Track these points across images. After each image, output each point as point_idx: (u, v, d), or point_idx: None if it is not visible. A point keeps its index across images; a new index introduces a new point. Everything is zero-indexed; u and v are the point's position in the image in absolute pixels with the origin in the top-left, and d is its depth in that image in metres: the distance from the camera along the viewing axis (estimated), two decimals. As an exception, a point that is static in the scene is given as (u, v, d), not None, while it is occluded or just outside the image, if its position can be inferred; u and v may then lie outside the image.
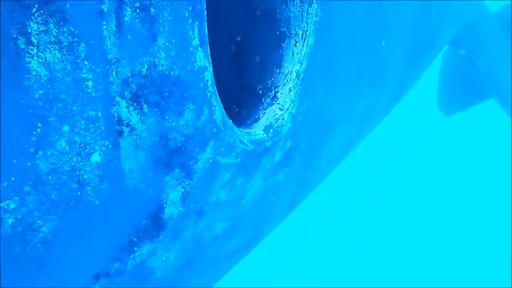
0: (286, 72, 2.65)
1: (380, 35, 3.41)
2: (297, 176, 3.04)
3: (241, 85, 2.78)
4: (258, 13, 2.77)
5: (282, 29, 2.70)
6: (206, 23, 1.99)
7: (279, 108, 2.62)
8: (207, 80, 2.03)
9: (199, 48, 1.97)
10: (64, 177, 1.69)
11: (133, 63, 1.79)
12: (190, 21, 1.91)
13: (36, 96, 1.59)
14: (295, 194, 3.26)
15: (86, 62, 1.67)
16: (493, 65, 10.53)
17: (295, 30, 2.68)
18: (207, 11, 2.60)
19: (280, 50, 2.70)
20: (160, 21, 1.83)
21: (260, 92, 2.67)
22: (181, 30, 1.90)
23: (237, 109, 2.81)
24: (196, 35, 1.95)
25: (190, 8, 1.91)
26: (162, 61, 1.87)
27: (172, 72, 1.90)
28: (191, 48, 1.95)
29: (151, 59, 1.84)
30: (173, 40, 1.88)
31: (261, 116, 2.58)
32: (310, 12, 2.65)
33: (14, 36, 1.51)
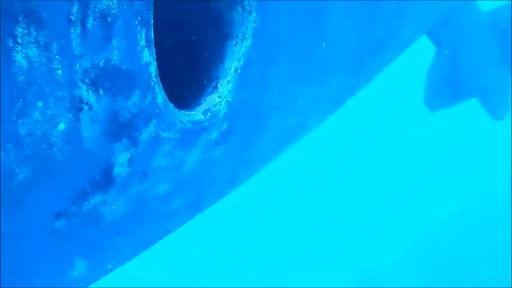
0: (226, 67, 3.32)
1: (320, 37, 4.06)
2: (235, 153, 3.73)
3: (192, 76, 3.45)
4: (207, 16, 3.44)
5: (226, 31, 3.37)
6: (152, 29, 2.65)
7: (218, 96, 3.29)
8: (151, 72, 2.70)
9: (146, 48, 2.64)
10: (37, 139, 2.37)
11: (92, 58, 2.46)
12: (139, 28, 2.58)
13: (19, 80, 2.25)
14: (235, 168, 3.95)
15: (57, 56, 2.34)
16: (476, 66, 10.98)
17: (236, 33, 3.34)
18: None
19: (223, 48, 3.36)
20: (115, 27, 2.50)
21: (205, 82, 3.34)
22: (131, 34, 2.57)
23: (188, 95, 3.48)
24: (143, 38, 2.62)
25: (139, 18, 2.57)
26: (115, 57, 2.54)
27: (123, 66, 2.57)
28: (139, 48, 2.62)
29: (107, 55, 2.51)
30: (124, 42, 2.55)
31: (202, 102, 3.25)
32: (249, 19, 3.31)
33: (5, 37, 2.18)
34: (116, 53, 2.51)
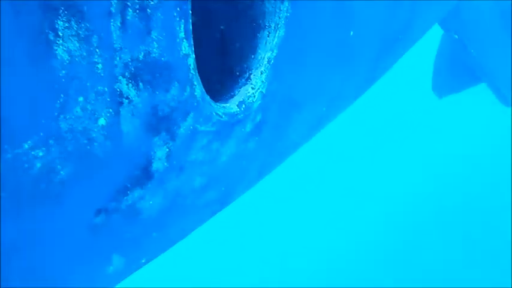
0: (259, 58, 3.26)
1: (348, 26, 4.00)
2: (267, 145, 3.67)
3: (223, 67, 3.39)
4: (239, 6, 3.37)
5: (258, 22, 3.30)
6: (190, 20, 2.59)
7: (251, 87, 3.23)
8: (190, 65, 2.64)
9: (184, 40, 2.58)
10: (78, 135, 2.32)
11: (132, 51, 2.40)
12: (177, 19, 2.52)
13: (60, 74, 2.20)
14: (266, 158, 3.89)
15: (97, 50, 2.29)
16: (486, 51, 10.87)
17: (268, 23, 3.28)
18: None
19: (255, 39, 3.30)
20: (154, 19, 2.44)
21: (237, 74, 3.28)
22: (170, 26, 2.51)
23: (219, 86, 3.42)
24: (182, 30, 2.56)
25: (178, 9, 2.51)
26: (154, 49, 2.48)
27: (162, 58, 2.52)
28: (178, 40, 2.56)
29: (147, 48, 2.45)
30: (164, 34, 2.49)
31: (236, 94, 3.20)
32: (282, 8, 3.25)
33: (46, 30, 2.13)
34: (156, 45, 2.46)
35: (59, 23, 2.15)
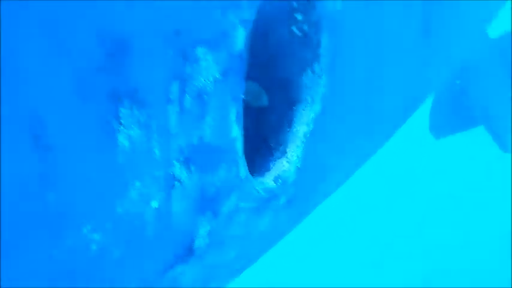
0: (295, 132, 3.32)
1: (378, 96, 4.08)
2: (295, 214, 3.72)
3: (258, 135, 3.45)
4: (276, 79, 3.44)
5: (295, 95, 3.38)
6: (242, 103, 2.66)
7: (287, 161, 3.29)
8: (237, 147, 2.70)
9: (235, 124, 2.64)
10: (132, 217, 2.36)
11: (187, 136, 2.46)
12: (230, 104, 2.58)
13: (120, 161, 2.25)
14: (293, 224, 3.94)
15: (156, 136, 2.34)
16: (485, 94, 10.96)
17: (305, 97, 3.35)
18: None
19: (292, 112, 3.37)
20: (209, 104, 2.50)
21: (272, 146, 3.34)
22: (223, 111, 2.57)
23: (252, 155, 3.48)
24: (234, 114, 2.62)
25: (231, 95, 2.58)
26: (207, 134, 2.54)
27: (213, 142, 2.57)
28: (229, 124, 2.62)
29: (201, 133, 2.51)
30: (217, 118, 2.55)
31: (272, 167, 3.25)
32: (319, 83, 3.32)
33: (110, 119, 2.18)
34: (209, 130, 2.52)
35: (122, 110, 2.20)
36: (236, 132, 2.62)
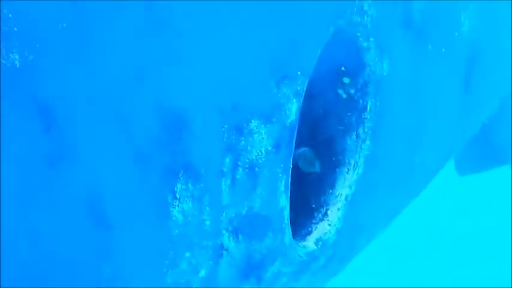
0: (337, 194, 3.33)
1: (418, 158, 4.08)
2: (331, 271, 3.72)
3: (298, 195, 3.46)
4: (319, 139, 3.46)
5: (338, 157, 3.38)
6: (290, 173, 2.68)
7: (328, 224, 3.29)
8: (284, 215, 2.71)
9: (283, 194, 2.66)
10: (180, 287, 2.38)
11: (237, 207, 2.48)
12: (280, 175, 2.61)
13: (173, 234, 2.28)
14: (326, 280, 3.93)
15: (208, 208, 2.37)
16: None
17: (348, 159, 3.36)
18: None
19: (334, 174, 3.37)
20: (261, 176, 2.53)
21: (313, 206, 3.35)
22: (273, 182, 2.59)
23: (294, 214, 3.48)
24: (283, 184, 2.64)
25: (282, 165, 2.60)
26: (257, 204, 2.56)
27: (262, 212, 2.59)
28: (278, 194, 2.64)
29: (250, 204, 2.53)
30: (267, 190, 2.58)
31: (313, 230, 3.25)
32: (363, 147, 3.33)
33: (166, 194, 2.21)
34: (258, 200, 2.54)
35: (177, 185, 2.23)
36: (284, 202, 2.64)
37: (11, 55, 1.74)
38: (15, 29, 1.73)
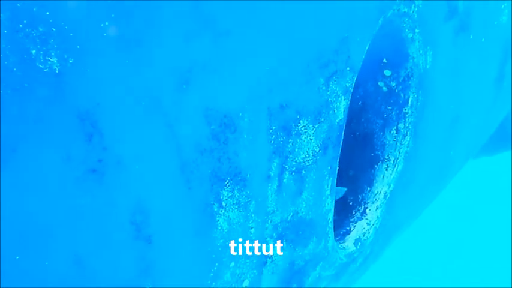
0: (375, 192, 3.17)
1: (454, 150, 3.93)
2: (365, 268, 3.58)
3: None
4: (357, 133, 3.30)
5: (376, 153, 3.22)
6: (336, 178, 2.52)
7: (367, 223, 3.14)
8: (329, 219, 2.56)
9: (329, 197, 2.51)
10: None
11: (283, 213, 2.33)
12: (327, 178, 2.45)
13: (218, 244, 2.13)
14: (359, 276, 3.80)
15: (253, 215, 2.22)
16: None
17: (388, 156, 3.20)
18: None
19: (372, 171, 3.22)
20: (307, 180, 2.37)
21: (351, 204, 3.20)
22: (320, 185, 2.44)
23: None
24: (329, 187, 2.49)
25: (329, 168, 2.44)
26: (302, 209, 2.40)
27: (307, 217, 2.44)
28: (323, 197, 2.48)
29: (296, 209, 2.38)
30: (313, 193, 2.42)
31: (351, 229, 3.11)
32: (403, 142, 3.17)
33: (212, 203, 2.06)
34: (304, 204, 2.39)
35: (223, 193, 2.08)
36: (329, 205, 2.48)
37: (48, 59, 1.57)
38: (53, 29, 1.56)
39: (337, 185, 3.27)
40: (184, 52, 1.83)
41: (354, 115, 3.27)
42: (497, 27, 3.85)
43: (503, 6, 3.89)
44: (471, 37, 3.53)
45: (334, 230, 3.15)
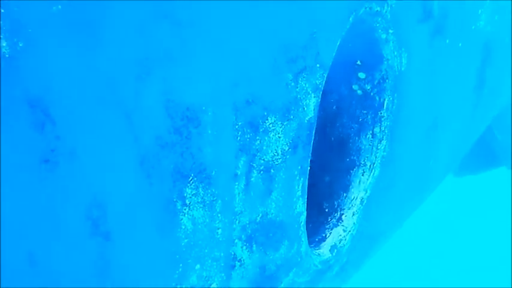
0: (352, 198, 3.09)
1: (433, 157, 3.86)
2: (343, 278, 3.48)
3: (309, 199, 3.22)
4: (332, 139, 3.22)
5: (352, 158, 3.15)
6: (307, 178, 2.44)
7: (343, 229, 3.05)
8: (301, 222, 2.47)
9: (300, 198, 2.42)
10: None
11: (251, 213, 2.24)
12: (297, 178, 2.36)
13: (182, 244, 2.03)
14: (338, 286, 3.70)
15: (220, 215, 2.12)
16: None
17: (364, 161, 3.12)
18: None
19: (348, 176, 3.14)
20: (276, 179, 2.28)
21: (327, 210, 3.11)
22: (290, 185, 2.35)
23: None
24: (300, 188, 2.40)
25: (299, 167, 2.36)
26: (272, 210, 2.32)
27: (277, 218, 2.35)
28: (294, 199, 2.40)
29: (265, 209, 2.29)
30: (283, 194, 2.33)
31: (327, 236, 3.02)
32: (379, 147, 3.10)
33: (175, 200, 1.96)
34: (274, 205, 2.30)
35: (187, 190, 1.99)
36: (301, 207, 2.40)
37: (-3, 42, 1.48)
38: (2, 11, 1.47)
39: (313, 192, 3.18)
40: (144, 40, 1.75)
41: (329, 120, 3.20)
42: (474, 32, 3.81)
43: (480, 11, 3.85)
44: (447, 41, 3.48)
45: (310, 237, 3.06)
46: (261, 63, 2.13)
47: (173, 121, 1.87)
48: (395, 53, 2.96)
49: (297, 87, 2.27)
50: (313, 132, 2.39)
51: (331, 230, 3.06)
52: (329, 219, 3.11)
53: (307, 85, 2.31)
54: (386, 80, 3.00)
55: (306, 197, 2.99)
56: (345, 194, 3.13)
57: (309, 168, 2.41)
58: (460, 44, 3.68)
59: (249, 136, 2.12)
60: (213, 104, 1.98)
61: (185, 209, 1.98)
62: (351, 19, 2.53)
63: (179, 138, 1.90)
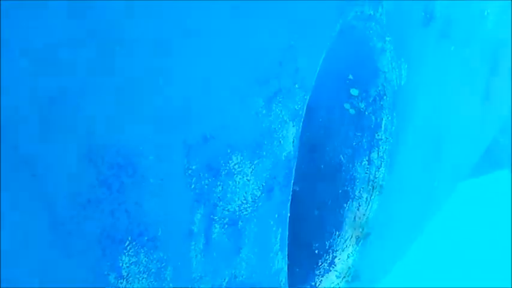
0: (346, 237, 2.59)
1: (437, 180, 3.38)
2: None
3: (295, 235, 2.72)
4: (321, 166, 2.72)
5: (345, 189, 2.65)
6: (287, 227, 1.94)
7: (336, 276, 2.56)
8: (281, 280, 1.97)
9: (279, 252, 1.91)
10: None
11: (215, 278, 1.74)
12: (274, 229, 1.86)
13: None
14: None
15: (171, 285, 1.62)
16: None
17: (359, 192, 2.62)
18: None
19: (341, 211, 2.64)
20: (246, 233, 1.78)
21: (316, 252, 2.61)
22: (265, 239, 1.85)
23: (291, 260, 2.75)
24: (278, 241, 1.90)
25: (276, 216, 1.85)
26: (242, 271, 1.81)
27: (250, 280, 1.84)
28: (271, 254, 1.89)
29: (233, 271, 1.78)
30: (256, 250, 1.83)
31: (317, 284, 2.52)
32: (377, 175, 2.59)
33: (106, 273, 1.46)
34: (244, 265, 1.79)
35: (123, 259, 1.48)
36: (280, 263, 1.89)
37: None
38: None
39: (299, 228, 2.69)
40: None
41: (317, 145, 2.69)
42: (482, 36, 3.32)
43: (486, 12, 3.36)
44: (452, 48, 2.99)
45: (297, 286, 2.55)
46: (220, 87, 1.62)
47: (97, 170, 1.36)
48: (394, 65, 2.46)
49: (270, 116, 1.77)
50: (293, 170, 1.88)
51: (322, 276, 2.56)
52: (320, 264, 2.61)
53: (283, 112, 1.80)
54: (384, 97, 2.52)
55: (291, 234, 2.50)
56: (337, 232, 2.63)
57: (288, 214, 1.90)
58: (466, 51, 3.19)
59: (207, 182, 1.62)
60: (154, 145, 1.47)
61: (121, 283, 1.46)
62: (338, 25, 2.03)
63: (107, 193, 1.39)
